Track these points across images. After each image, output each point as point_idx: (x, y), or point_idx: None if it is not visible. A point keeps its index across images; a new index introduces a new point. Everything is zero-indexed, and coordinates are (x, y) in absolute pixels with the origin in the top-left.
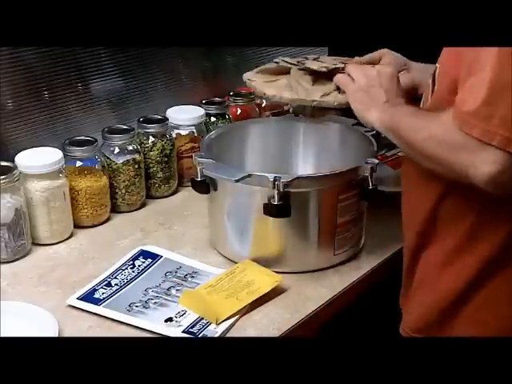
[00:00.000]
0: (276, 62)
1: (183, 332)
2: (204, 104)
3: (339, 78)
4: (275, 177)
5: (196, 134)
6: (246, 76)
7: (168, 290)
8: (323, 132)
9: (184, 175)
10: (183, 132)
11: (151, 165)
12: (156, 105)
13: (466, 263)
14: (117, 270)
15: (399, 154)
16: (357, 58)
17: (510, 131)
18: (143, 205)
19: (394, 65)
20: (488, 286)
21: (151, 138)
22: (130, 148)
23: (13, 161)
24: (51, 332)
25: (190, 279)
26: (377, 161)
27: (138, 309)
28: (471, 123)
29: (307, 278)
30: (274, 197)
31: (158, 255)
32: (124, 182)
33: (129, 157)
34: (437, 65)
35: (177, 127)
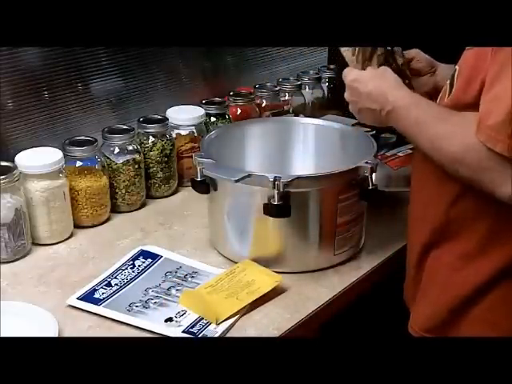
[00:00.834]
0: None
1: (183, 332)
2: (204, 104)
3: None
4: (275, 177)
5: (196, 134)
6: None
7: (168, 289)
8: (323, 132)
9: (184, 175)
10: (183, 132)
11: (151, 165)
12: (156, 105)
13: (479, 269)
14: (117, 270)
15: (399, 154)
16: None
17: None
18: (143, 205)
19: (423, 65)
20: (500, 289)
21: (151, 138)
22: (130, 148)
23: (13, 161)
24: (51, 332)
25: (189, 279)
26: (377, 161)
27: (138, 309)
28: (496, 138)
29: (307, 278)
30: (273, 197)
31: (158, 255)
32: (124, 182)
33: (129, 157)
34: (456, 67)
35: (177, 127)
